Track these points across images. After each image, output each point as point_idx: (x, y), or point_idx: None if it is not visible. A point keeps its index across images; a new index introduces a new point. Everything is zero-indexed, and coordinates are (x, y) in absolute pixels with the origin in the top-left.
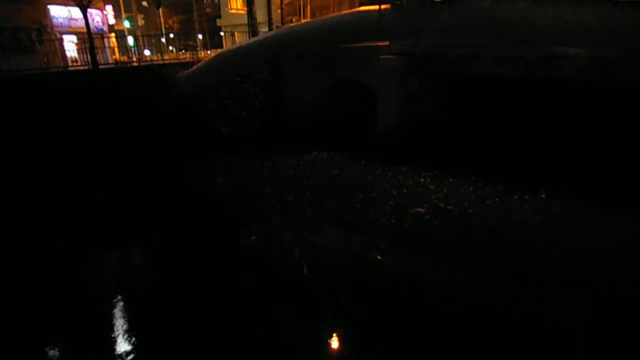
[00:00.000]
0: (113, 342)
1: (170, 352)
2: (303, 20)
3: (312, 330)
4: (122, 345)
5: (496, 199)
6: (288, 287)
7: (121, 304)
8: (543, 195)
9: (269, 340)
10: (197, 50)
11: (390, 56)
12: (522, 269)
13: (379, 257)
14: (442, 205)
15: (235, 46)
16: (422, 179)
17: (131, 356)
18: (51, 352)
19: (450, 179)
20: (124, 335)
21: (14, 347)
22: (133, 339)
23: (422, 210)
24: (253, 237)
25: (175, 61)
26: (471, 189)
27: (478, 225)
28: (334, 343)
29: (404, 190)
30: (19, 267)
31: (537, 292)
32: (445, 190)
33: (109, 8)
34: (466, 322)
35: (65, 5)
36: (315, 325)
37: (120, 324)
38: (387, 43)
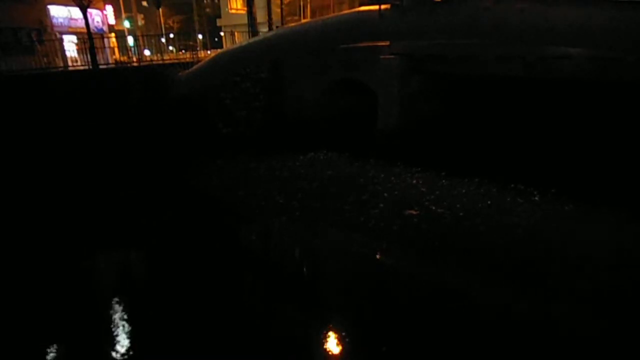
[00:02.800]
0: (111, 338)
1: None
2: (303, 20)
3: (286, 317)
4: (121, 343)
5: (489, 202)
6: (261, 283)
7: (116, 301)
8: (536, 198)
9: (239, 322)
10: (197, 50)
11: (391, 56)
12: (509, 272)
13: (360, 260)
14: (433, 208)
15: (235, 46)
16: (414, 181)
17: (132, 354)
18: (52, 351)
19: (444, 181)
20: (119, 331)
21: (16, 343)
22: (129, 335)
23: (413, 212)
24: (234, 240)
25: (175, 61)
26: (464, 191)
27: (467, 229)
28: (306, 329)
29: (395, 193)
30: (19, 263)
31: (526, 295)
32: (437, 192)
33: (109, 8)
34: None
35: (65, 5)
36: (294, 315)
37: (116, 321)
38: (387, 43)
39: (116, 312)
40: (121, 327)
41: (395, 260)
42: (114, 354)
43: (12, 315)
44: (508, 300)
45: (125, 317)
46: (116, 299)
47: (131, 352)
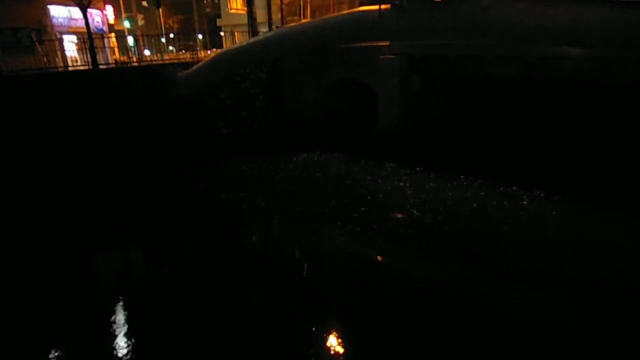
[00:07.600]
0: (105, 338)
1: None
2: (303, 20)
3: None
4: (119, 343)
5: (474, 204)
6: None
7: (106, 298)
8: (524, 202)
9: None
10: (197, 50)
11: (391, 56)
12: (486, 275)
13: (332, 266)
14: (415, 211)
15: (235, 46)
16: (401, 183)
17: (134, 353)
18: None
19: (431, 184)
20: (111, 331)
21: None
22: (121, 335)
23: (395, 216)
24: (203, 245)
25: (176, 61)
26: (450, 194)
27: (447, 233)
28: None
29: (380, 196)
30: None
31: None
32: (422, 196)
33: (109, 8)
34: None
35: (65, 5)
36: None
37: (108, 319)
38: (387, 43)
39: (106, 309)
40: (113, 326)
41: (365, 262)
42: (113, 353)
43: (11, 314)
44: (486, 301)
45: (116, 314)
46: (105, 296)
47: (130, 352)
